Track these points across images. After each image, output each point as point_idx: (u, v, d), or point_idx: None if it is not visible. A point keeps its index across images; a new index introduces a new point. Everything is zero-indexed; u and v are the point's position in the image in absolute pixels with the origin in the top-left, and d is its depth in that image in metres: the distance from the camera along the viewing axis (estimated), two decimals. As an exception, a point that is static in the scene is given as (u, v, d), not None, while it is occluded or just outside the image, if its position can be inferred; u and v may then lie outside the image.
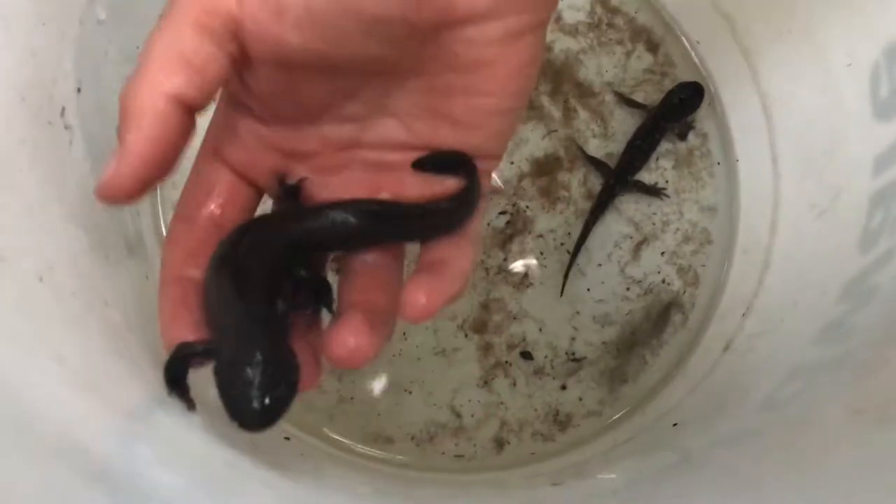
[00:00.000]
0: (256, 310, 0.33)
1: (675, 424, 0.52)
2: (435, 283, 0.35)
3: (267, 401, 0.30)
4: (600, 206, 0.60)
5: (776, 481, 0.33)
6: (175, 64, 0.30)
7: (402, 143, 0.38)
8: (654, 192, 0.61)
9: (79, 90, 0.43)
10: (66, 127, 0.41)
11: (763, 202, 0.59)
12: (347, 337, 0.33)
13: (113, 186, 0.30)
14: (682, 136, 0.62)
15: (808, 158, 0.55)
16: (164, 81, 0.30)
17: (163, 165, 0.31)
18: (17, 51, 0.37)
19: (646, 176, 0.62)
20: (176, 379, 0.34)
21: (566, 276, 0.59)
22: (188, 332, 0.34)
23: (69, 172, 0.41)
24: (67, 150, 0.41)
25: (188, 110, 0.31)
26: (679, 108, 0.61)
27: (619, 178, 0.60)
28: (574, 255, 0.59)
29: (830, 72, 0.52)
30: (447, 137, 0.37)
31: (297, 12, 0.31)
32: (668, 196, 0.61)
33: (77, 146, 0.42)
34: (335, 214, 0.36)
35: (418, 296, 0.34)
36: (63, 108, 0.41)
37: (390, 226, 0.37)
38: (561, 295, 0.59)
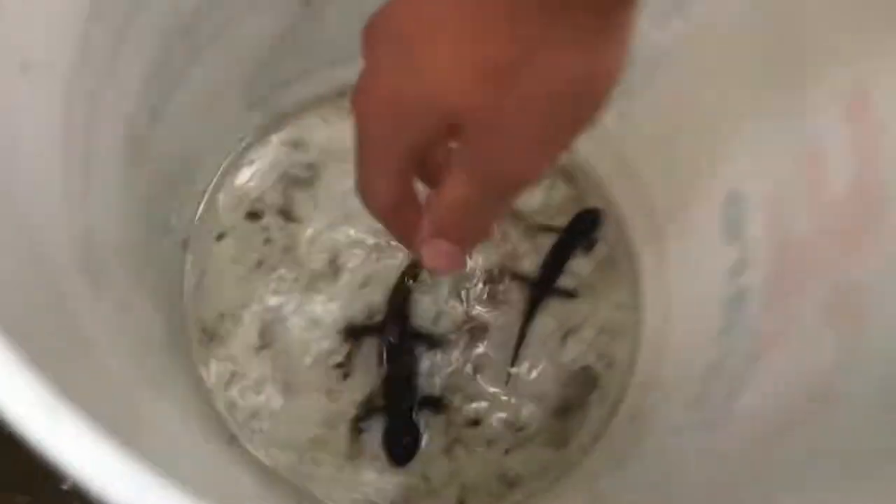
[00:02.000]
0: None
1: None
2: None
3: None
4: (530, 314, 0.76)
5: None
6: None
7: None
8: (569, 294, 0.78)
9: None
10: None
11: (660, 299, 0.76)
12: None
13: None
14: (589, 249, 0.79)
15: (687, 269, 0.72)
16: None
17: None
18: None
19: (565, 281, 0.78)
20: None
21: (512, 365, 0.76)
22: None
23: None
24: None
25: None
26: (583, 230, 0.79)
27: (542, 289, 0.77)
28: (515, 353, 0.76)
29: (703, 208, 0.69)
30: None
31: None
32: (579, 296, 0.78)
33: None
34: None
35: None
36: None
37: None
38: (506, 384, 0.76)
